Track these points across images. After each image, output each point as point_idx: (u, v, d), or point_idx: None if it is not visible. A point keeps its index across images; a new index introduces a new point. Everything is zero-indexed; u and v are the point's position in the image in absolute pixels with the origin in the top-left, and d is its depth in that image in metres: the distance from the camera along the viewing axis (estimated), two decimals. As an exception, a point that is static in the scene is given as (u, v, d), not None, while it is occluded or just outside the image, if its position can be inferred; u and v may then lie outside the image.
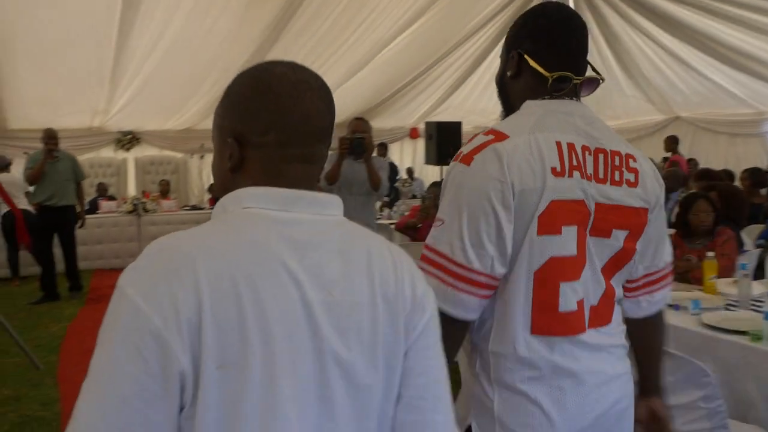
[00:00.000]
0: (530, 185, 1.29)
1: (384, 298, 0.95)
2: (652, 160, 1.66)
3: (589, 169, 1.35)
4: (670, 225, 6.35)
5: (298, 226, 0.92)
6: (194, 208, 9.94)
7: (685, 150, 11.02)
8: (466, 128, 10.73)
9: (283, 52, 8.59)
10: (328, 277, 0.91)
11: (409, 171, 12.99)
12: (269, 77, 0.98)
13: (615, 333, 1.45)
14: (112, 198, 9.91)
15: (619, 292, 1.47)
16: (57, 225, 6.83)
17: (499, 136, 1.34)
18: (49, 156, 6.49)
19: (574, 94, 1.41)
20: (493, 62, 11.22)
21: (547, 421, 1.33)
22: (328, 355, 0.89)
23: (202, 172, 11.30)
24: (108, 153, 10.86)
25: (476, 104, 12.67)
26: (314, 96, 0.98)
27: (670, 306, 3.21)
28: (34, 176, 6.52)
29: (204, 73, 8.96)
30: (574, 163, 1.33)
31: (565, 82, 1.38)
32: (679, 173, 7.35)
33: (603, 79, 1.44)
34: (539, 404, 1.33)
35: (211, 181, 9.16)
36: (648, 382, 1.59)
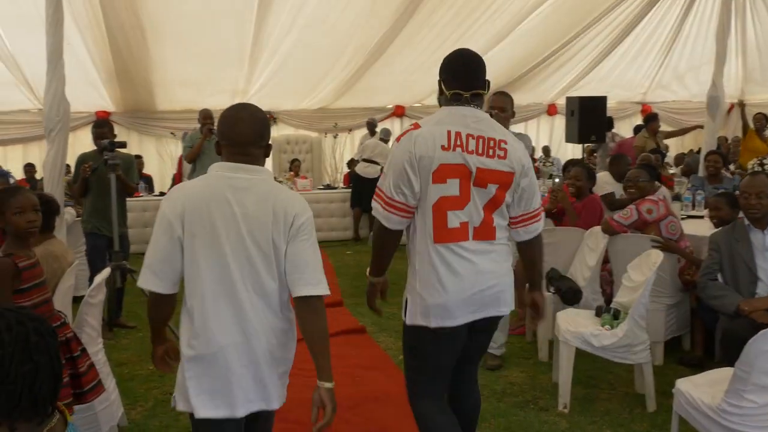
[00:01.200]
0: (427, 154, 2.29)
1: (274, 214, 2.00)
2: None
3: (471, 147, 2.32)
4: None
5: (236, 180, 2.03)
6: (328, 187, 9.93)
7: None
8: (610, 103, 9.98)
9: (419, 25, 8.32)
10: (247, 203, 2.00)
11: (546, 150, 12.36)
12: (225, 114, 2.09)
13: (496, 245, 2.41)
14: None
15: (497, 221, 2.40)
16: None
17: (417, 126, 2.38)
18: (208, 134, 6.65)
19: (472, 102, 2.37)
20: (645, 29, 10.30)
21: (442, 288, 2.33)
22: (244, 234, 1.99)
23: (335, 151, 11.34)
24: (247, 132, 11.16)
25: (622, 77, 11.78)
26: (243, 124, 2.05)
27: None
28: (193, 154, 6.71)
29: (339, 51, 8.90)
30: (458, 143, 2.30)
31: (459, 96, 2.37)
32: None
33: (486, 93, 2.42)
34: (440, 281, 2.33)
35: (346, 158, 9.18)
36: (533, 282, 2.66)
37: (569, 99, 8.38)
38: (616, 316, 3.66)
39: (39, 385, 1.18)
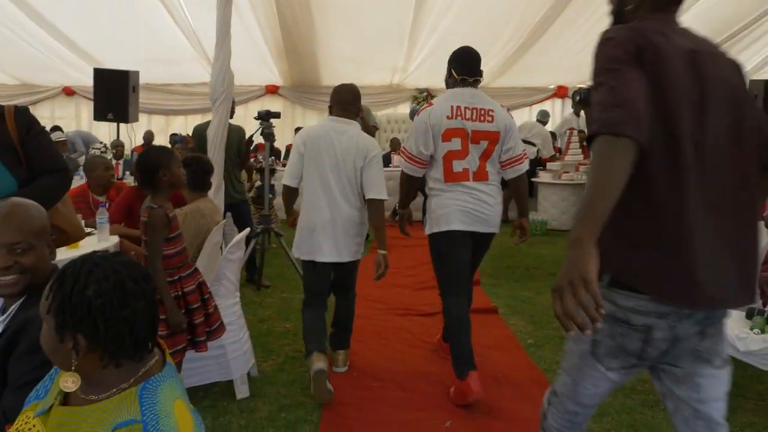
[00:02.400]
0: (437, 123, 3.37)
1: (356, 148, 3.45)
2: None
3: (468, 116, 3.37)
4: None
5: (338, 127, 3.51)
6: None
7: None
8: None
9: (581, 6, 7.93)
10: (342, 140, 3.47)
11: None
12: (335, 88, 3.65)
13: (489, 185, 3.44)
14: (404, 153, 10.36)
15: (489, 168, 3.44)
16: None
17: (431, 104, 3.47)
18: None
19: (471, 84, 3.44)
20: None
21: (446, 204, 3.41)
22: (339, 159, 3.46)
23: (491, 131, 11.19)
24: (404, 109, 11.34)
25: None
26: (344, 92, 3.59)
27: None
28: None
29: (497, 32, 8.74)
30: (458, 113, 3.36)
31: (465, 80, 3.43)
32: None
33: (482, 79, 3.52)
34: (446, 200, 3.41)
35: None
36: (521, 210, 3.71)
37: (753, 82, 7.60)
38: (770, 320, 3.30)
39: (138, 327, 1.31)
